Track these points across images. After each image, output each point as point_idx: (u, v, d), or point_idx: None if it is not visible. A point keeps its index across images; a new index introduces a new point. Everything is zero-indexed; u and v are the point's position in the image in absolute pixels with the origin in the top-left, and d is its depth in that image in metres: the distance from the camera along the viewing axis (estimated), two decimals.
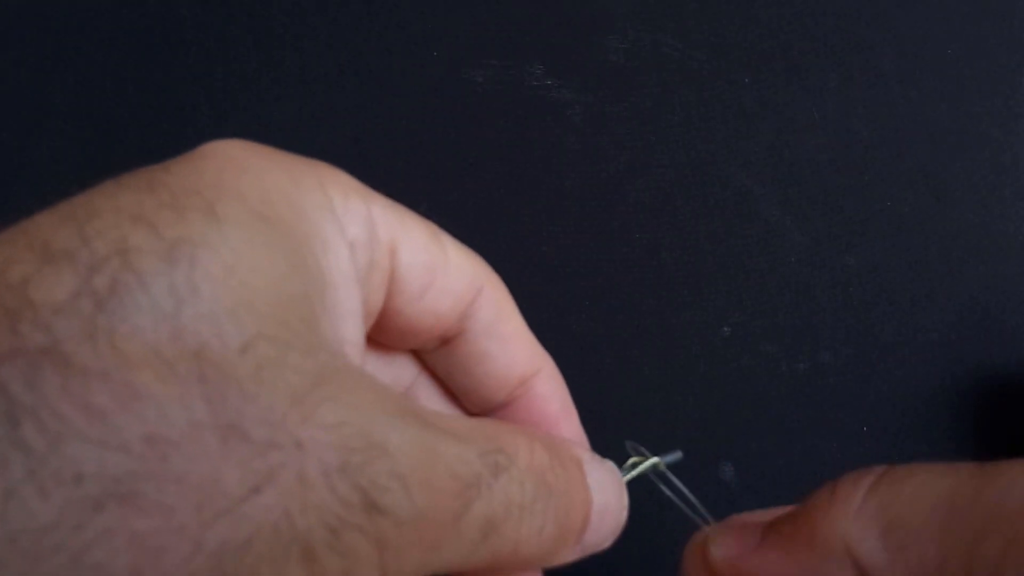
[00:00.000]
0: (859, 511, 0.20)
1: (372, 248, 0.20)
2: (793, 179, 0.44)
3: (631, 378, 0.42)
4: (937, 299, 0.43)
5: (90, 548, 0.14)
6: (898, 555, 0.19)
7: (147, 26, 0.45)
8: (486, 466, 0.19)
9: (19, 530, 0.14)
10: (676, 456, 0.26)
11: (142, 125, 0.44)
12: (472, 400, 0.25)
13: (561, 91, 0.45)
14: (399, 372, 0.24)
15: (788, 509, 0.23)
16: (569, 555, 0.22)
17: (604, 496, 0.23)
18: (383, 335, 0.23)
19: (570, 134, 0.44)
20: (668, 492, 0.26)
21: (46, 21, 0.46)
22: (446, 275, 0.22)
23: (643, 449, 0.26)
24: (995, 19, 0.45)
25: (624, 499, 0.24)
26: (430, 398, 0.25)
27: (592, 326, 0.42)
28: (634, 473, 0.26)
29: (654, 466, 0.26)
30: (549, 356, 0.25)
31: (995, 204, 0.44)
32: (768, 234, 0.43)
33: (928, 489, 0.19)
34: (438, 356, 0.24)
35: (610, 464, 0.24)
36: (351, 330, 0.20)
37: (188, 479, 0.15)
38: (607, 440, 0.27)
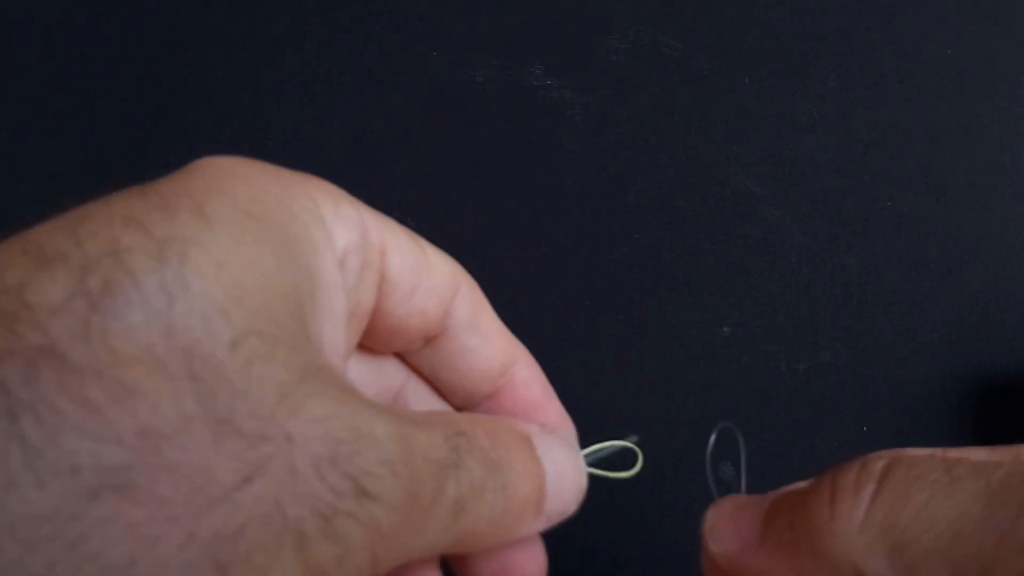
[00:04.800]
0: (863, 526, 0.20)
1: (365, 251, 0.21)
2: (793, 179, 0.44)
3: (631, 378, 0.42)
4: (937, 299, 0.43)
5: (86, 537, 0.15)
6: (906, 573, 0.19)
7: (147, 26, 0.45)
8: (451, 449, 0.20)
9: (17, 518, 0.14)
10: (632, 440, 0.27)
11: (142, 125, 0.44)
12: (459, 395, 0.26)
13: (561, 91, 0.45)
14: (390, 375, 0.25)
15: (783, 496, 0.23)
16: (534, 526, 0.23)
17: (557, 465, 0.23)
18: (373, 338, 0.23)
19: (570, 134, 0.44)
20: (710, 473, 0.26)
21: (46, 21, 0.46)
22: (430, 275, 0.23)
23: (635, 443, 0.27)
24: (995, 19, 0.45)
25: (580, 465, 0.25)
26: (419, 397, 0.26)
27: (592, 326, 0.42)
28: (593, 449, 0.26)
29: (616, 450, 0.26)
30: (522, 344, 0.26)
31: (995, 204, 0.44)
32: (768, 234, 0.43)
33: (935, 510, 0.19)
34: (423, 357, 0.25)
35: (563, 434, 0.25)
36: (335, 334, 0.20)
37: (180, 470, 0.15)
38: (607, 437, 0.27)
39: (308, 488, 0.16)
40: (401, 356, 0.25)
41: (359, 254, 0.21)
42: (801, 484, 0.23)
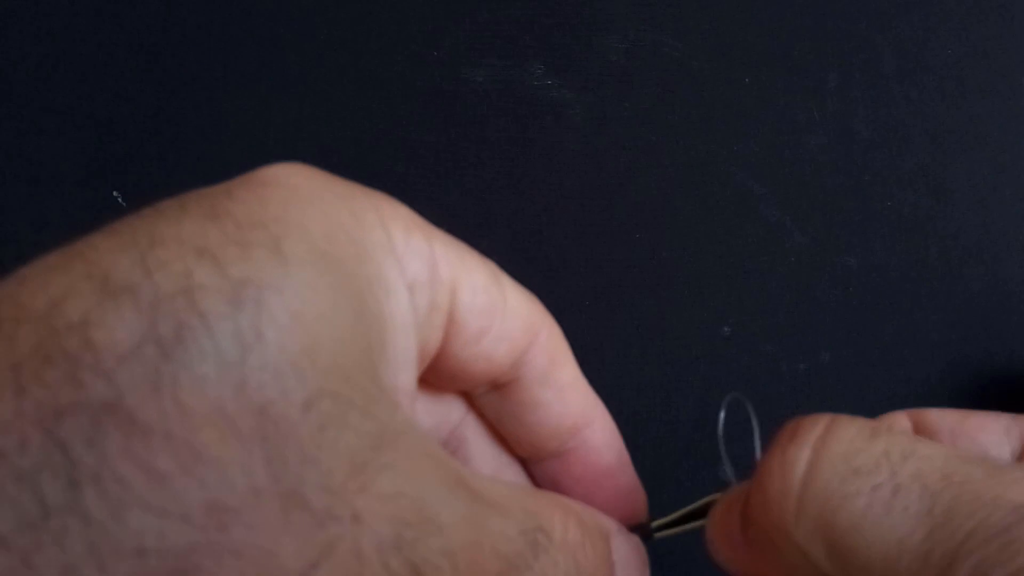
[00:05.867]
0: (798, 518, 0.19)
1: (433, 289, 0.19)
2: (793, 179, 0.44)
3: (631, 378, 0.42)
4: (937, 299, 0.43)
5: None
6: (843, 573, 0.19)
7: (147, 26, 0.45)
8: (527, 544, 0.18)
9: None
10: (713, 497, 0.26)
11: (142, 125, 0.44)
12: (522, 446, 0.24)
13: (561, 91, 0.45)
14: (447, 412, 0.24)
15: (744, 488, 0.22)
16: None
17: (626, 572, 0.22)
18: (435, 377, 0.22)
19: (570, 134, 0.44)
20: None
21: (46, 21, 0.46)
22: (504, 319, 0.21)
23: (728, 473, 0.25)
24: (995, 19, 0.45)
25: (646, 574, 0.23)
26: (477, 440, 0.24)
27: (592, 326, 0.42)
28: (668, 532, 0.25)
29: (695, 515, 0.25)
30: (603, 405, 0.25)
31: (995, 204, 0.44)
32: (768, 234, 0.43)
33: (874, 526, 0.18)
34: (489, 399, 0.23)
35: (636, 539, 0.24)
36: (407, 378, 0.19)
37: (247, 552, 0.14)
38: None
39: (371, 575, 0.15)
40: (465, 395, 0.24)
41: (427, 292, 0.19)
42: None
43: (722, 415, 0.25)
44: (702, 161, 0.44)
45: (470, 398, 0.24)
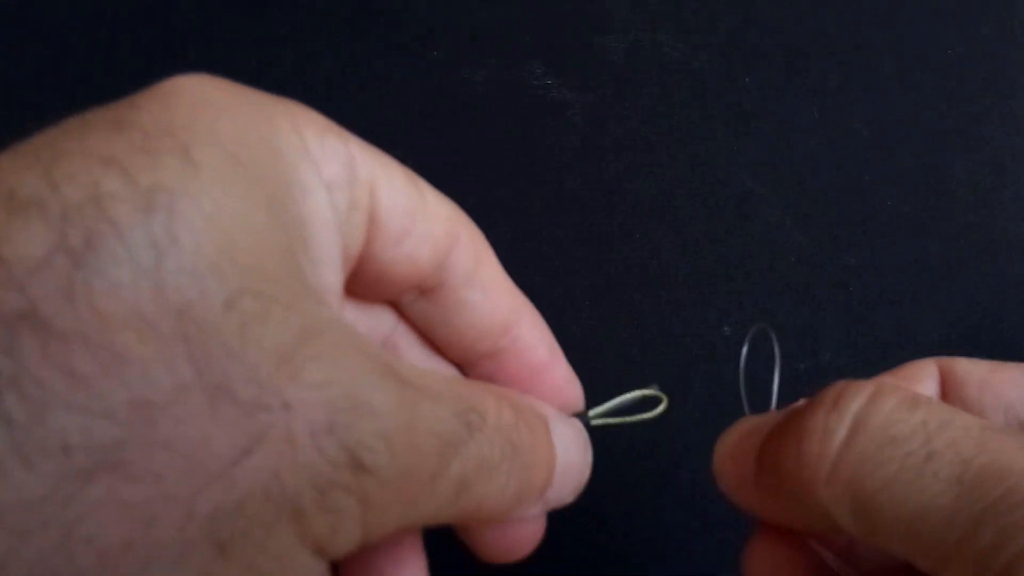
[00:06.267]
0: (829, 478, 0.19)
1: (352, 187, 0.20)
2: (793, 179, 0.44)
3: (631, 378, 0.42)
4: (937, 299, 0.43)
5: (81, 521, 0.14)
6: (869, 536, 0.19)
7: (147, 26, 0.45)
8: (462, 425, 0.19)
9: (7, 507, 0.13)
10: (653, 388, 0.26)
11: None
12: (455, 351, 0.24)
13: (561, 91, 0.45)
14: (377, 322, 0.24)
15: (772, 429, 0.22)
16: (531, 510, 0.22)
17: (568, 455, 0.23)
18: (360, 284, 0.22)
19: (570, 134, 0.44)
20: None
21: (46, 21, 0.46)
22: (425, 220, 0.22)
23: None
24: (995, 19, 0.45)
25: (588, 457, 0.24)
26: (410, 349, 0.24)
27: (592, 326, 0.42)
28: (605, 421, 0.25)
29: (627, 410, 0.26)
30: (530, 303, 0.25)
31: (995, 204, 0.44)
32: (768, 234, 0.43)
33: (904, 488, 0.18)
34: (417, 307, 0.23)
35: (575, 422, 0.24)
36: (331, 277, 0.19)
37: (177, 445, 0.14)
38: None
39: (306, 460, 0.15)
40: (393, 304, 0.24)
41: (345, 191, 0.20)
42: (795, 412, 0.22)
43: (745, 348, 0.26)
44: (702, 161, 0.44)
45: (399, 307, 0.24)
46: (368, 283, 0.22)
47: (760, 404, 0.25)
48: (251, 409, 0.15)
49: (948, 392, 0.24)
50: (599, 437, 0.40)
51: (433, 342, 0.24)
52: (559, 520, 0.42)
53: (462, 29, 0.45)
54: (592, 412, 0.25)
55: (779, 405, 0.25)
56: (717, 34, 0.45)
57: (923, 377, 0.25)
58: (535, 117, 0.44)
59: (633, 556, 0.40)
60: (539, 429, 0.22)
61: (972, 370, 0.24)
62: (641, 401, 0.26)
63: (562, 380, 0.25)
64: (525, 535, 0.23)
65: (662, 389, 0.26)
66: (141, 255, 0.15)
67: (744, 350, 0.26)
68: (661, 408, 0.26)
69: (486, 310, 0.23)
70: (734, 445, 0.23)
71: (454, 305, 0.23)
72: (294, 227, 0.18)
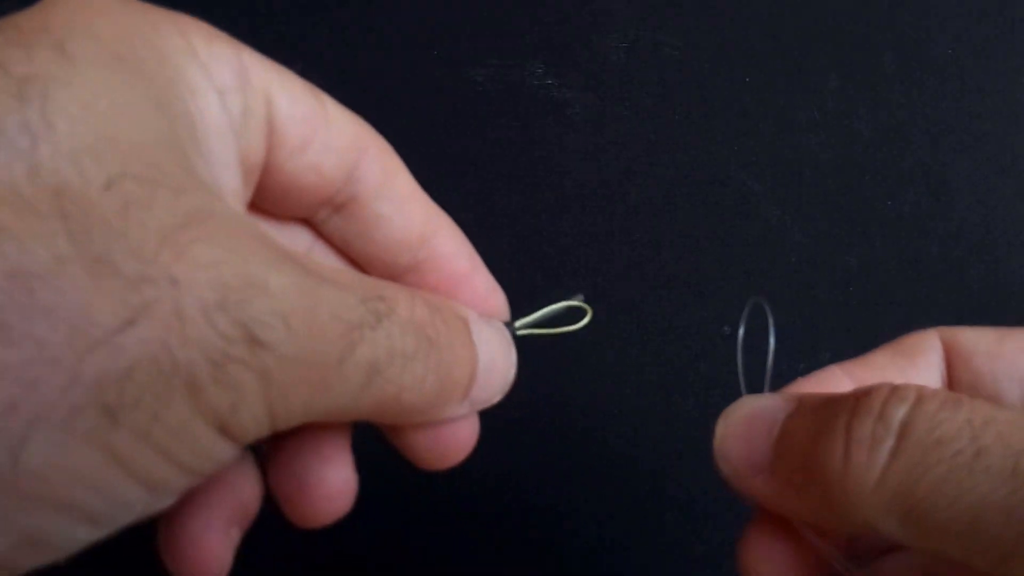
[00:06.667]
0: (878, 487, 0.19)
1: (245, 93, 0.20)
2: (793, 179, 0.44)
3: (631, 378, 0.42)
4: (937, 299, 0.43)
5: None
6: (919, 541, 0.19)
7: None
8: (369, 312, 0.19)
9: None
10: (578, 299, 0.26)
11: None
12: (376, 267, 0.24)
13: (562, 90, 0.45)
14: (292, 240, 0.24)
15: (797, 419, 0.21)
16: (457, 409, 0.23)
17: (491, 354, 0.23)
18: (269, 198, 0.22)
19: (571, 133, 0.44)
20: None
21: None
22: (327, 130, 0.22)
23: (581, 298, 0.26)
24: (995, 19, 0.45)
25: (512, 357, 0.24)
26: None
27: (592, 326, 0.42)
28: (531, 331, 0.25)
29: (553, 316, 0.25)
30: (447, 215, 0.25)
31: (995, 204, 0.44)
32: (768, 234, 0.43)
33: (956, 487, 0.18)
34: (333, 224, 0.24)
35: (498, 323, 0.24)
36: (230, 179, 0.20)
37: (57, 311, 0.15)
38: None
39: (197, 333, 0.16)
40: (309, 224, 0.24)
41: (238, 97, 0.20)
42: (813, 399, 0.21)
43: (742, 328, 0.25)
44: (702, 161, 0.44)
45: (315, 226, 0.24)
46: (277, 196, 0.22)
47: (756, 384, 0.25)
48: (135, 282, 0.16)
49: (955, 365, 0.24)
50: (601, 433, 0.40)
51: (353, 260, 0.25)
52: (560, 520, 0.42)
53: (463, 28, 0.45)
54: (518, 323, 0.25)
55: (773, 383, 0.24)
56: (717, 34, 0.45)
57: (926, 349, 0.24)
58: (535, 116, 0.44)
59: (633, 556, 0.40)
60: (458, 327, 0.22)
61: (978, 340, 0.24)
62: (567, 313, 0.26)
63: (484, 289, 0.25)
64: (457, 437, 0.23)
65: (587, 301, 0.26)
66: (15, 139, 0.15)
67: (741, 327, 0.25)
68: (586, 320, 0.26)
69: (401, 222, 0.24)
70: (741, 426, 0.23)
71: (369, 219, 0.23)
72: (182, 123, 0.18)
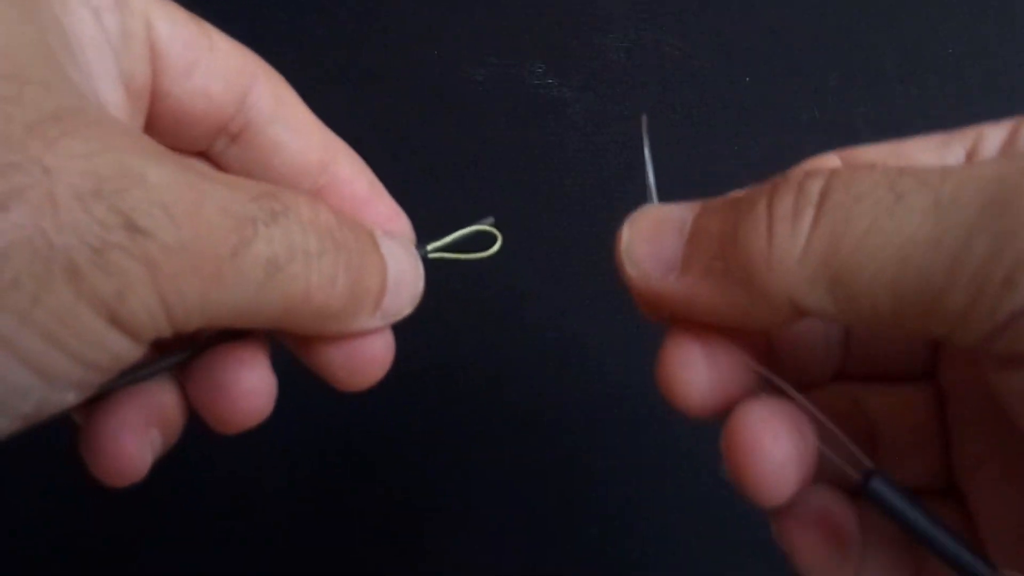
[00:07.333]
0: (803, 258, 0.18)
1: (122, 14, 0.20)
2: None
3: (632, 379, 0.42)
4: None
5: None
6: (848, 305, 0.18)
7: None
8: (261, 210, 0.19)
9: None
10: (487, 222, 0.27)
11: None
12: None
13: (562, 90, 0.45)
14: None
15: (708, 213, 0.21)
16: (371, 319, 0.23)
17: (399, 264, 0.23)
18: (161, 127, 0.23)
19: (571, 133, 0.44)
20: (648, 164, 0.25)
21: None
22: (212, 55, 0.23)
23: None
24: (995, 19, 0.45)
25: (419, 270, 0.24)
26: None
27: (592, 326, 0.42)
28: (441, 256, 0.26)
29: (456, 240, 0.26)
30: (344, 142, 0.25)
31: None
32: None
33: (880, 235, 0.17)
34: (231, 155, 0.24)
35: (404, 239, 0.25)
36: (111, 94, 0.20)
37: None
38: None
39: (73, 219, 0.16)
40: (210, 159, 0.24)
41: (115, 16, 0.20)
42: (724, 199, 0.21)
43: (645, 137, 0.25)
44: (702, 161, 0.44)
45: (214, 158, 0.24)
46: (169, 125, 0.23)
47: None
48: (3, 169, 0.16)
49: None
50: (604, 432, 0.40)
51: None
52: (560, 520, 0.42)
53: (463, 28, 0.45)
54: (430, 246, 0.26)
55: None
56: (717, 34, 0.45)
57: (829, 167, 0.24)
58: (535, 116, 0.44)
59: (633, 556, 0.40)
60: (365, 236, 0.22)
61: (876, 152, 0.24)
62: (476, 236, 0.26)
63: (387, 212, 0.25)
64: (373, 353, 0.23)
65: (496, 225, 0.26)
66: None
67: (646, 138, 0.26)
68: (496, 247, 0.26)
69: (298, 148, 0.24)
70: (650, 228, 0.23)
71: (265, 146, 0.24)
72: (52, 33, 0.18)
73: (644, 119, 0.25)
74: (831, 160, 0.24)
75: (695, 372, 0.21)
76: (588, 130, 0.44)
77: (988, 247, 0.16)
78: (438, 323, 0.42)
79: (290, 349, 0.24)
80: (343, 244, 0.21)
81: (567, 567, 0.40)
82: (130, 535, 0.42)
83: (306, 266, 0.20)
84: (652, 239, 0.22)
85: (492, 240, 0.26)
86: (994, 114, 0.46)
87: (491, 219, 0.27)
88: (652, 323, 0.23)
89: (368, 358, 0.23)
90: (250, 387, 0.22)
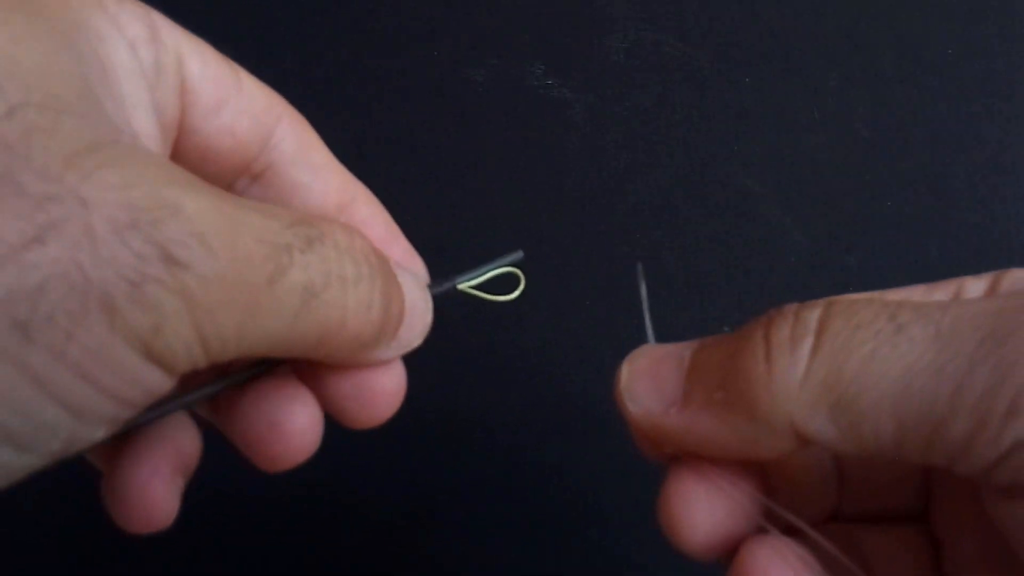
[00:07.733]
0: (804, 384, 0.18)
1: (156, 49, 0.20)
2: (793, 179, 0.44)
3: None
4: None
5: None
6: (850, 431, 0.18)
7: None
8: (296, 237, 0.19)
9: None
10: (516, 259, 0.26)
11: None
12: None
13: (562, 90, 0.45)
14: None
15: (706, 348, 0.21)
16: (387, 350, 0.23)
17: (413, 294, 0.23)
18: (187, 162, 0.22)
19: (571, 133, 0.44)
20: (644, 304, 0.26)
21: None
22: (240, 94, 0.23)
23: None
24: (995, 19, 0.45)
25: (429, 302, 0.24)
26: None
27: (592, 326, 0.42)
28: (472, 282, 0.26)
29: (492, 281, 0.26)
30: (363, 184, 0.25)
31: (995, 204, 0.44)
32: (768, 234, 0.43)
33: (882, 362, 0.18)
34: (253, 194, 0.24)
35: (418, 278, 0.25)
36: (144, 124, 0.20)
37: None
38: None
39: (110, 252, 0.16)
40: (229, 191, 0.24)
41: (150, 50, 0.20)
42: (721, 335, 0.21)
43: (642, 282, 0.26)
44: (702, 161, 0.44)
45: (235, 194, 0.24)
46: (195, 161, 0.22)
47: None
48: (40, 201, 0.15)
49: None
50: (604, 432, 0.40)
51: None
52: (560, 520, 0.42)
53: (463, 29, 0.45)
54: (459, 284, 0.26)
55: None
56: (717, 34, 0.45)
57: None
58: (536, 117, 0.44)
59: (633, 556, 0.40)
60: (388, 263, 0.22)
61: (861, 298, 0.24)
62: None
63: (402, 254, 0.25)
64: (385, 386, 0.23)
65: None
66: None
67: (642, 284, 0.26)
68: (519, 290, 0.26)
69: (319, 189, 0.24)
70: (649, 366, 0.23)
71: (286, 187, 0.24)
72: (89, 63, 0.18)
73: (640, 267, 0.26)
74: (816, 311, 0.24)
75: (698, 510, 0.21)
76: (588, 130, 0.44)
77: (990, 376, 0.17)
78: (438, 323, 0.42)
79: (305, 384, 0.23)
80: (378, 269, 0.21)
81: (567, 567, 0.40)
82: (130, 535, 0.42)
83: (342, 292, 0.20)
84: (652, 375, 0.22)
85: (515, 273, 0.26)
86: (993, 115, 0.47)
87: (520, 253, 0.26)
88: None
89: (379, 390, 0.23)
90: (303, 425, 0.22)
